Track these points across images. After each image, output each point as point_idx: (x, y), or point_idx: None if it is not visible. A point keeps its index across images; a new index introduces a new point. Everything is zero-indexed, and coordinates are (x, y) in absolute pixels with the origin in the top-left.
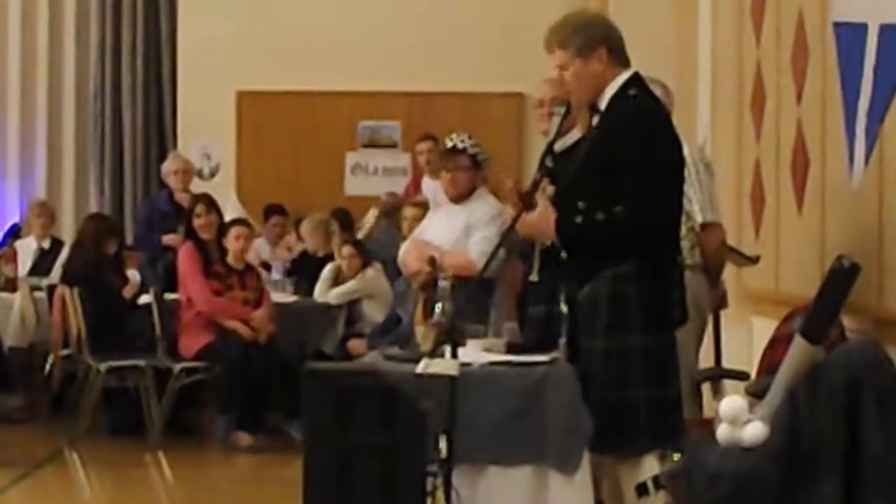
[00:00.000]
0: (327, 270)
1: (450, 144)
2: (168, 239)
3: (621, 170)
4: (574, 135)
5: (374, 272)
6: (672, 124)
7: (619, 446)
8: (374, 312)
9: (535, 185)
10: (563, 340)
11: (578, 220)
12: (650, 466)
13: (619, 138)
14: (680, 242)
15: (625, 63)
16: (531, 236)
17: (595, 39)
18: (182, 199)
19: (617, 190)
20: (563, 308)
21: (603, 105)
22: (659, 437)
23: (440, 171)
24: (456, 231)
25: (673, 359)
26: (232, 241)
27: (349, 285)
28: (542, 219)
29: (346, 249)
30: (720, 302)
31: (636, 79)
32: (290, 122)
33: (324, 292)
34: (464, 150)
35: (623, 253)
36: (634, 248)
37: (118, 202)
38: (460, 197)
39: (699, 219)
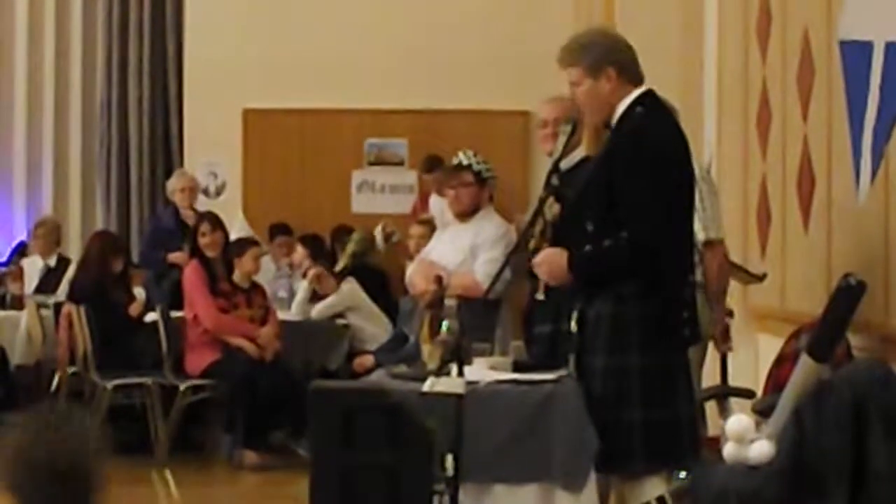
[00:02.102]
0: (303, 290)
1: (456, 161)
2: (173, 257)
3: (622, 190)
4: (579, 153)
5: (349, 285)
6: (679, 139)
7: (614, 467)
8: (363, 325)
9: (541, 202)
10: (572, 358)
11: (587, 248)
12: (653, 487)
13: (618, 157)
14: (690, 259)
15: (637, 80)
16: (548, 277)
17: (603, 59)
18: (187, 216)
19: (620, 210)
20: (573, 326)
21: (614, 123)
22: (654, 460)
23: (446, 189)
24: (462, 251)
25: (678, 379)
26: (249, 262)
27: (329, 300)
28: (553, 256)
29: (317, 271)
30: (724, 322)
31: (646, 96)
32: (296, 140)
33: (304, 310)
34: (468, 167)
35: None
36: (642, 269)
37: (124, 220)
38: (465, 214)
39: (701, 237)
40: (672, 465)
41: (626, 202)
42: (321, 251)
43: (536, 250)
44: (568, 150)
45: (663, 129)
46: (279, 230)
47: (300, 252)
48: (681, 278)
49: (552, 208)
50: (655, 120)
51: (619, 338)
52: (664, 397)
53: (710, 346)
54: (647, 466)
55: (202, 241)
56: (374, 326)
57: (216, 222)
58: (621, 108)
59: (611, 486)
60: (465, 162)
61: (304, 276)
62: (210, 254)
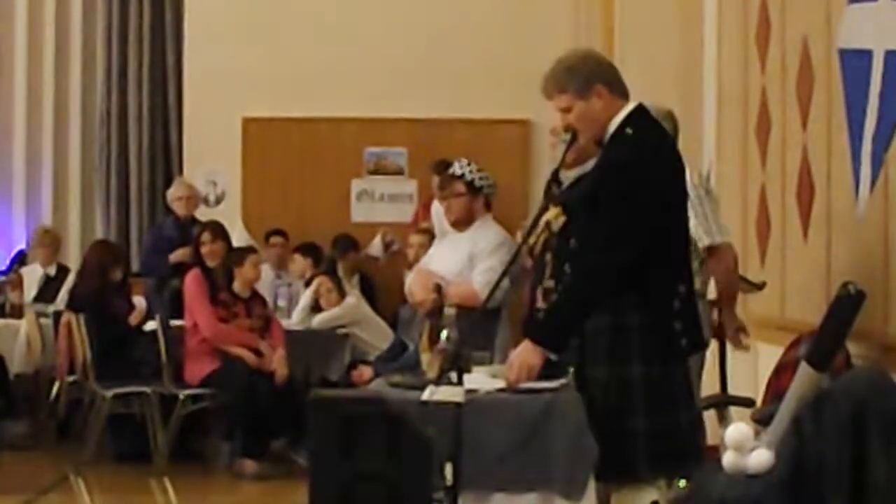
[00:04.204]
0: (305, 298)
1: (450, 171)
2: (176, 255)
3: (602, 211)
4: (590, 164)
5: (354, 299)
6: (666, 159)
7: (619, 475)
8: (365, 337)
9: (541, 212)
10: (571, 370)
11: (539, 315)
12: (648, 493)
13: (603, 180)
14: (679, 272)
15: (624, 95)
16: (528, 371)
17: (591, 77)
18: (187, 224)
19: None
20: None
21: (606, 140)
22: (658, 467)
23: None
24: (460, 260)
25: (680, 387)
26: (250, 270)
27: (333, 312)
28: (517, 353)
29: (323, 284)
30: (739, 334)
31: (636, 113)
32: (296, 149)
33: (305, 319)
34: (460, 177)
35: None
36: (601, 287)
37: (124, 229)
38: (459, 223)
39: (702, 244)
40: (675, 472)
41: (604, 223)
42: (318, 260)
43: (540, 256)
44: (571, 159)
45: (649, 153)
46: (274, 233)
47: (300, 262)
48: (668, 291)
49: (558, 220)
50: (642, 143)
51: (620, 348)
52: (666, 406)
53: (709, 353)
54: (652, 473)
55: (203, 249)
56: (376, 338)
57: (217, 231)
58: (613, 125)
59: (610, 495)
60: (457, 172)
61: (307, 284)
62: (211, 263)
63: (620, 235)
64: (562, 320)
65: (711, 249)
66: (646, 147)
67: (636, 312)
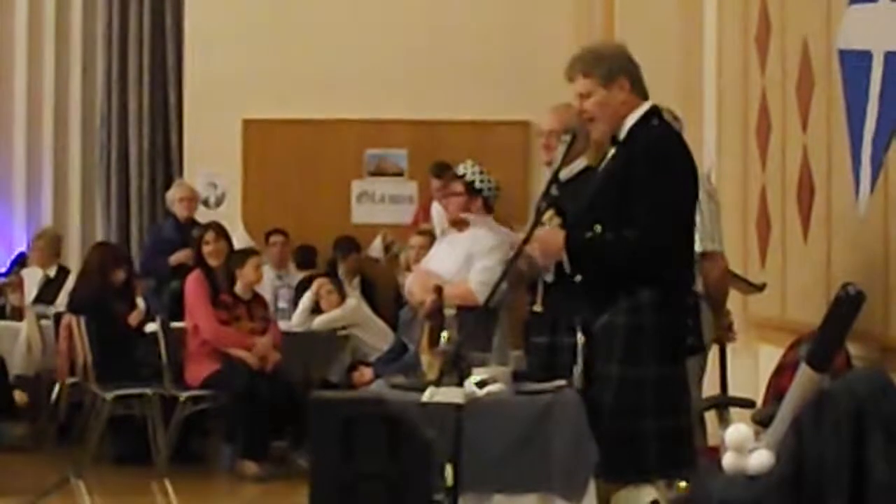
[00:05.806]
0: (305, 299)
1: (454, 170)
2: (177, 257)
3: (637, 194)
4: (580, 163)
5: (354, 301)
6: (689, 153)
7: (629, 475)
8: (365, 338)
9: (539, 213)
10: (578, 369)
11: (588, 235)
12: (648, 494)
13: (639, 164)
14: (694, 268)
15: (644, 96)
16: (541, 254)
17: (618, 69)
18: (187, 226)
19: (631, 214)
20: (580, 337)
21: (622, 135)
22: (667, 468)
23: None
24: (458, 260)
25: (685, 388)
26: (251, 272)
27: (333, 314)
28: (550, 234)
29: (324, 285)
30: (727, 333)
31: (656, 110)
32: (297, 151)
33: (305, 321)
34: (461, 176)
35: (635, 278)
36: (643, 270)
37: (124, 230)
38: (454, 222)
39: (699, 248)
40: (682, 470)
41: (642, 204)
42: (311, 263)
43: None
44: (568, 159)
45: (679, 143)
46: (274, 231)
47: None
48: (685, 288)
49: (552, 221)
50: (671, 133)
51: (635, 348)
52: (676, 405)
53: (710, 355)
54: (661, 473)
55: (206, 249)
56: (377, 340)
57: (220, 232)
58: (630, 120)
59: (610, 495)
60: (460, 172)
61: (306, 286)
62: (213, 262)
63: (666, 211)
64: (600, 253)
65: (705, 255)
66: (675, 137)
67: (653, 312)
